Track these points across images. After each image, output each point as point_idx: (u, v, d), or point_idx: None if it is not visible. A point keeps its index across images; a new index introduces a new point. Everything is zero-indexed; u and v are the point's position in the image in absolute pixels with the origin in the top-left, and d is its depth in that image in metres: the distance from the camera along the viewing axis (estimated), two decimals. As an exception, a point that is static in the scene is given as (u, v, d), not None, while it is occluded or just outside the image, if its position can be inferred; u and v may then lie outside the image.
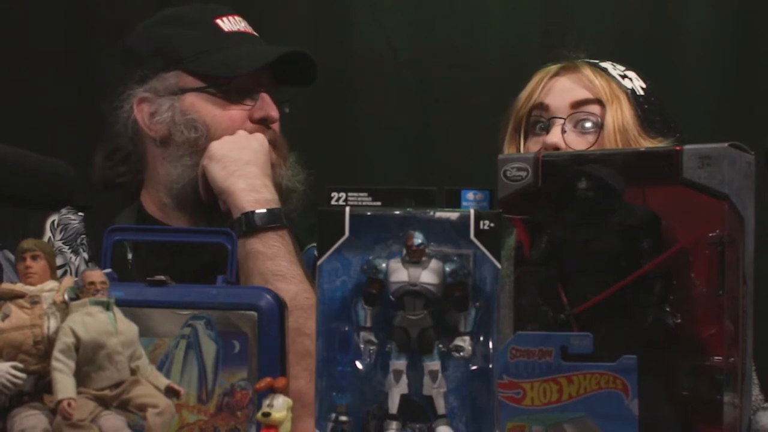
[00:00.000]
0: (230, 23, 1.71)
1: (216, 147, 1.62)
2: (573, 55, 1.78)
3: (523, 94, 1.77)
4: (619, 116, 1.67)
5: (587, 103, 1.71)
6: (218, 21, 1.70)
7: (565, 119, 1.70)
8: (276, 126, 1.70)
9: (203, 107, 1.66)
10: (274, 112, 1.68)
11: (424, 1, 2.55)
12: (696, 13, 2.46)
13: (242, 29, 1.72)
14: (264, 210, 1.57)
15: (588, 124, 1.70)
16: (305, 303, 1.46)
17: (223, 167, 1.60)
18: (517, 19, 2.52)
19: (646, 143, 1.68)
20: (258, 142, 1.64)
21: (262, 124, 1.67)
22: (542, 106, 1.74)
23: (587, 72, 1.72)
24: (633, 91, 1.72)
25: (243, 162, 1.60)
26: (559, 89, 1.73)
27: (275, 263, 1.55)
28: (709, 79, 2.44)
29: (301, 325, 1.32)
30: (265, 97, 1.68)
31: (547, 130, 1.72)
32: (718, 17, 2.45)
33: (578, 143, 1.69)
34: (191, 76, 1.67)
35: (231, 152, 1.61)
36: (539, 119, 1.74)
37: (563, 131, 1.69)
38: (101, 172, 1.75)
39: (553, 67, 1.77)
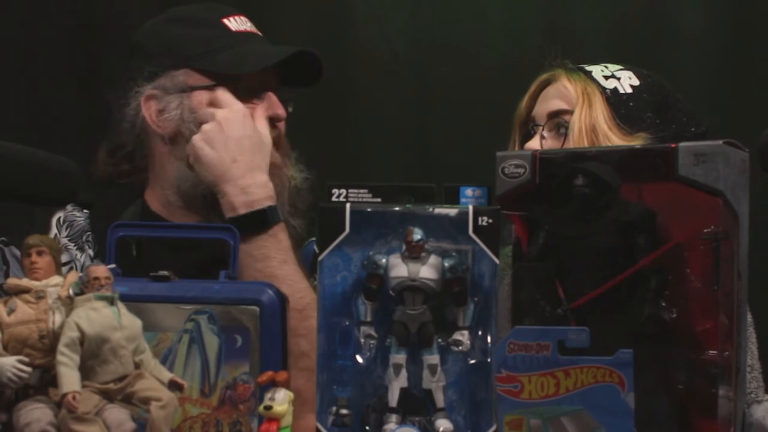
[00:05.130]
0: (237, 23, 1.71)
1: (199, 147, 1.59)
2: (559, 62, 1.83)
3: (519, 108, 1.87)
4: (585, 116, 1.75)
5: (561, 114, 1.79)
6: (225, 20, 1.70)
7: (543, 126, 1.80)
8: (281, 125, 1.70)
9: (209, 105, 1.65)
10: (281, 111, 1.68)
11: (424, 1, 2.56)
12: (693, 12, 2.48)
13: (248, 29, 1.73)
14: (251, 211, 1.56)
15: (562, 129, 1.78)
16: (299, 303, 1.45)
17: (209, 173, 1.58)
18: (517, 19, 2.54)
19: (619, 140, 1.73)
20: (239, 125, 1.60)
21: (270, 123, 1.67)
22: (530, 119, 1.85)
23: (563, 80, 1.80)
24: (615, 90, 1.77)
25: (229, 161, 1.58)
26: (542, 100, 1.83)
27: (266, 264, 1.54)
28: (705, 78, 2.46)
29: (296, 326, 1.31)
30: (271, 96, 1.68)
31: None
32: (715, 16, 2.47)
33: (553, 146, 1.78)
34: (200, 74, 1.66)
35: (215, 152, 1.59)
36: (529, 131, 1.84)
37: (542, 137, 1.79)
38: (104, 168, 1.75)
39: (542, 77, 1.85)
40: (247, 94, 1.67)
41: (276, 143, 1.66)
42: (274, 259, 1.55)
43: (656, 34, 2.49)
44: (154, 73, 1.68)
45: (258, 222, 1.56)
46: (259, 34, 1.75)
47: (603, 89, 1.76)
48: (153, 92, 1.67)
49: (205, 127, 1.61)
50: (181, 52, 1.67)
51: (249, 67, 1.65)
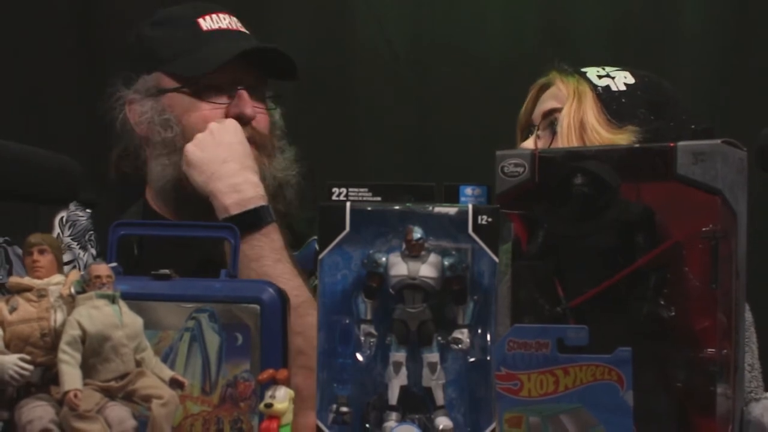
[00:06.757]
0: (211, 21, 1.71)
1: (191, 151, 1.61)
2: (555, 64, 1.83)
3: (519, 114, 1.88)
4: (574, 111, 1.75)
5: (554, 112, 1.79)
6: (200, 20, 1.71)
7: (538, 126, 1.80)
8: (259, 122, 1.70)
9: (177, 106, 1.67)
10: (249, 110, 1.67)
11: (424, 1, 2.56)
12: (693, 12, 2.48)
13: (224, 27, 1.72)
14: (244, 210, 1.56)
15: (555, 127, 1.78)
16: (294, 301, 1.44)
17: (201, 172, 1.60)
18: (517, 19, 2.54)
19: (607, 134, 1.72)
20: (230, 133, 1.62)
21: (239, 121, 1.66)
22: (530, 122, 1.85)
23: (558, 82, 1.81)
24: (607, 87, 1.77)
25: (219, 161, 1.59)
26: (539, 103, 1.83)
27: (260, 264, 1.54)
28: (705, 78, 2.46)
29: (291, 324, 1.31)
30: (242, 94, 1.67)
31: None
32: (715, 16, 2.47)
33: (545, 144, 1.78)
34: (168, 77, 1.69)
35: (205, 153, 1.60)
36: (528, 134, 1.85)
37: (537, 137, 1.79)
38: (117, 170, 1.76)
39: (540, 82, 1.85)
40: (213, 93, 1.68)
41: (252, 141, 1.66)
42: (268, 258, 1.55)
43: (656, 34, 2.49)
44: (132, 78, 1.71)
45: (251, 222, 1.56)
46: (238, 30, 1.74)
47: (594, 86, 1.77)
48: (133, 96, 1.71)
49: (198, 135, 1.63)
50: (153, 56, 1.70)
51: (205, 67, 1.66)
